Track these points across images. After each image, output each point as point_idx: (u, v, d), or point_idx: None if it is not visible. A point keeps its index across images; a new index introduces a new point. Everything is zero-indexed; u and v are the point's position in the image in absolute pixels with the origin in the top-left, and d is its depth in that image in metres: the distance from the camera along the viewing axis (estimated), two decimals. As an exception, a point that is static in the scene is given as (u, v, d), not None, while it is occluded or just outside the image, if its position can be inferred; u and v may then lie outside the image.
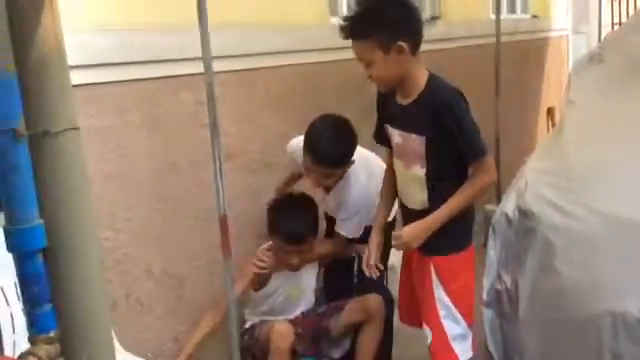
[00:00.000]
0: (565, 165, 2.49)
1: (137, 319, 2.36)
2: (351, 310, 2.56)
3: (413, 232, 2.05)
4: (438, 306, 2.09)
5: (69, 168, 0.88)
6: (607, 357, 1.94)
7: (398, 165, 2.18)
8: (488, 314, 2.35)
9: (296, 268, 2.55)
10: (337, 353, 2.59)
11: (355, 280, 2.66)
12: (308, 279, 2.63)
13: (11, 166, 0.85)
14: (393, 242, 2.12)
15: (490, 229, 2.45)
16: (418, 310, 2.21)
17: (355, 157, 2.46)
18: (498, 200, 3.45)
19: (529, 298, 2.19)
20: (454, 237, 2.10)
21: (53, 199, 0.87)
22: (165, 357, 2.43)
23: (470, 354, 2.12)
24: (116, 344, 1.92)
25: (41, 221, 0.86)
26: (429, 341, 2.11)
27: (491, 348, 2.36)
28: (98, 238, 0.94)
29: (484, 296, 2.37)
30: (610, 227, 2.06)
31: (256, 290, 2.57)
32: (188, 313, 2.56)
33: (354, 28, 1.98)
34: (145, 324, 2.39)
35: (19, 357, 0.86)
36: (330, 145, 2.37)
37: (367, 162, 2.58)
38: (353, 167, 2.49)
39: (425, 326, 2.14)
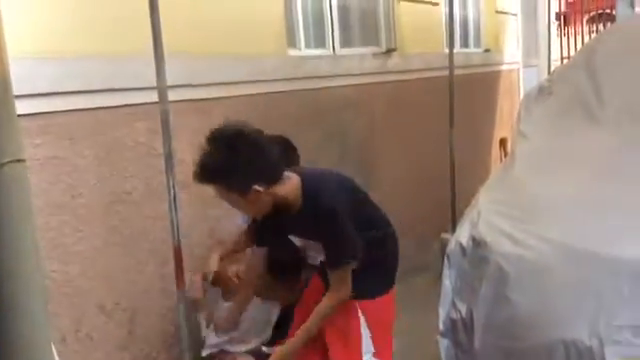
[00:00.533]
0: (516, 195, 2.54)
1: (87, 354, 2.28)
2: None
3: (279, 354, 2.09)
4: (363, 351, 2.11)
5: (13, 201, 0.85)
6: (560, 385, 1.96)
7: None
8: (444, 343, 2.36)
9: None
10: None
11: None
12: (274, 311, 2.55)
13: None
14: None
15: (445, 258, 2.48)
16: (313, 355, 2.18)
17: None
18: (453, 229, 3.49)
19: (484, 327, 2.20)
20: (379, 279, 2.17)
21: (-4, 232, 0.84)
22: (115, 394, 2.35)
23: None
24: (63, 381, 1.86)
25: (-19, 253, 0.83)
26: None
27: (447, 378, 2.36)
28: (42, 274, 0.90)
29: (440, 325, 2.38)
30: (560, 255, 2.10)
31: (226, 299, 2.47)
32: (140, 348, 2.49)
33: (203, 176, 1.92)
34: (95, 359, 2.32)
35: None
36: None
37: None
38: None
39: None
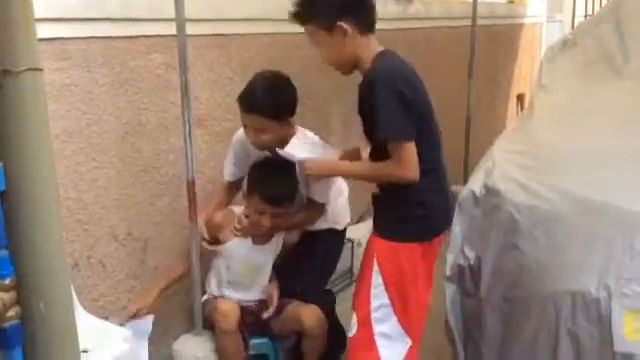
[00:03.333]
0: (533, 146, 2.51)
1: (98, 281, 2.33)
2: (287, 319, 2.51)
3: (314, 164, 2.13)
4: (371, 297, 1.99)
5: (29, 109, 0.85)
6: (564, 335, 1.98)
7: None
8: (450, 289, 2.37)
9: (266, 233, 2.49)
10: (284, 343, 2.58)
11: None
12: (266, 259, 2.53)
13: (-31, 104, 0.82)
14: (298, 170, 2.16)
15: (456, 206, 2.47)
16: None
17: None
18: (465, 182, 3.48)
19: (491, 274, 2.21)
20: (405, 222, 2.00)
21: (12, 141, 0.84)
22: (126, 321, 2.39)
23: None
24: (76, 303, 1.90)
25: (-1, 163, 0.83)
26: (352, 332, 2.02)
27: (451, 322, 2.38)
28: (56, 184, 0.90)
29: (447, 271, 2.39)
30: (574, 207, 2.09)
31: (209, 243, 2.47)
32: (151, 277, 2.53)
33: (297, 13, 1.98)
34: (106, 286, 2.36)
35: (-28, 303, 0.83)
36: (261, 93, 2.29)
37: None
38: (301, 132, 2.45)
39: (354, 316, 2.04)
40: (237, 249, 2.46)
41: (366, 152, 2.13)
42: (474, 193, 2.42)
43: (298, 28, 3.24)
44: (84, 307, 2.01)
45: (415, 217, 2.02)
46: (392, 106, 1.87)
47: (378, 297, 1.99)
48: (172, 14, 2.12)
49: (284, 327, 2.52)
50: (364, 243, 2.70)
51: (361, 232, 2.88)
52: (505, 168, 2.42)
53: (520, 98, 6.30)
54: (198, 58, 2.60)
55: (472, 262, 2.29)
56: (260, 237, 2.48)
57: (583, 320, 1.94)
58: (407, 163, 1.91)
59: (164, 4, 2.22)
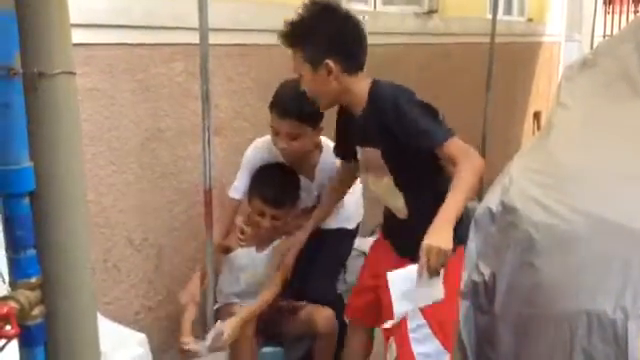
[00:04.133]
0: (551, 164, 2.50)
1: (113, 285, 2.34)
2: (301, 322, 2.53)
3: (434, 233, 1.84)
4: (408, 319, 1.94)
5: (62, 112, 0.86)
6: (578, 355, 1.96)
7: (369, 179, 2.13)
8: (464, 305, 2.35)
9: (267, 235, 2.49)
10: (298, 350, 2.58)
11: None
12: (272, 264, 2.56)
13: (2, 104, 0.83)
14: (423, 258, 1.84)
15: (472, 223, 2.46)
16: (374, 310, 2.10)
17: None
18: (480, 198, 3.47)
19: (506, 292, 2.19)
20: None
21: (44, 142, 0.85)
22: (139, 325, 2.40)
23: None
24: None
25: (30, 163, 0.84)
26: (394, 356, 1.97)
27: (464, 339, 2.37)
28: (85, 186, 0.92)
29: (461, 287, 2.38)
30: (592, 227, 2.07)
31: (225, 253, 2.50)
32: (165, 283, 2.55)
33: (286, 37, 1.93)
34: (121, 290, 2.38)
35: (-1, 300, 0.85)
36: (296, 98, 2.23)
37: None
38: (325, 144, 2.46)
39: (392, 340, 2.00)
40: (241, 259, 2.48)
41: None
42: (490, 210, 2.40)
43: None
44: (98, 310, 2.01)
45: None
46: (425, 112, 1.85)
47: (413, 319, 1.95)
48: (195, 23, 2.14)
49: (297, 330, 2.53)
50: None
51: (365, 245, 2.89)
52: (523, 185, 2.41)
53: (537, 116, 6.28)
54: (218, 67, 2.63)
55: (487, 279, 2.28)
56: (262, 243, 2.48)
57: (599, 341, 1.92)
58: (470, 152, 1.88)
59: (188, 13, 2.25)
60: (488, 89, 4.28)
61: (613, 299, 1.91)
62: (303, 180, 2.52)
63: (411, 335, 1.94)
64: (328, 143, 2.48)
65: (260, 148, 2.48)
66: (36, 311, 0.86)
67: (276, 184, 2.40)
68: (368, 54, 3.62)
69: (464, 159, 1.86)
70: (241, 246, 2.46)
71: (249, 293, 2.51)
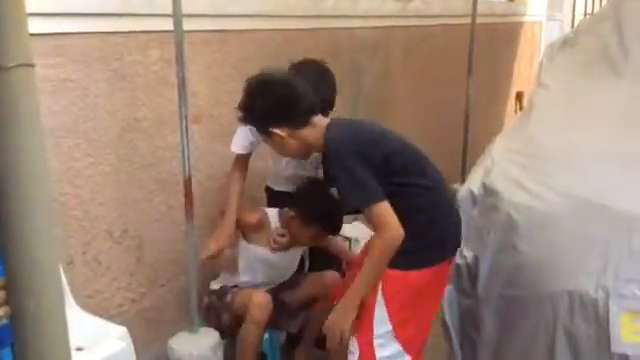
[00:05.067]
0: (532, 145, 2.51)
1: (94, 278, 2.31)
2: (307, 284, 2.56)
3: (337, 314, 1.96)
4: (374, 325, 1.94)
5: (21, 106, 0.83)
6: (561, 334, 1.98)
7: None
8: (447, 288, 2.37)
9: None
10: (293, 327, 2.57)
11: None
12: (296, 258, 2.57)
13: (-41, 100, 0.80)
14: (327, 338, 2.00)
15: (454, 205, 2.46)
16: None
17: None
18: (463, 180, 3.47)
19: (488, 274, 2.21)
20: (411, 252, 1.88)
21: (3, 138, 0.82)
22: (122, 318, 2.38)
23: None
24: (71, 300, 1.89)
25: (-10, 161, 0.81)
26: (354, 357, 1.97)
27: (448, 322, 2.38)
28: (49, 182, 0.89)
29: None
30: (572, 208, 2.09)
31: (242, 232, 2.47)
32: (147, 275, 2.52)
33: (239, 119, 2.11)
34: (102, 284, 2.35)
35: (-39, 303, 0.82)
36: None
37: None
38: None
39: (353, 339, 1.98)
40: (262, 253, 2.46)
41: None
42: (472, 192, 2.41)
43: (295, 24, 3.25)
44: (79, 304, 1.99)
45: (421, 245, 1.92)
46: (351, 173, 1.86)
47: (381, 325, 1.94)
48: (170, 10, 2.10)
49: (304, 294, 2.54)
50: (361, 241, 2.70)
51: (357, 231, 2.89)
52: (504, 167, 2.41)
53: (519, 96, 6.29)
54: (196, 54, 2.59)
55: (469, 261, 2.29)
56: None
57: (581, 320, 1.94)
58: (388, 225, 1.84)
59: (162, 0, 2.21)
60: (470, 70, 4.27)
61: (594, 279, 1.92)
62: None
63: (376, 341, 1.95)
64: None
65: None
66: (1, 312, 0.84)
67: (335, 212, 2.35)
68: (351, 37, 3.62)
69: (379, 232, 1.88)
70: (273, 249, 2.44)
71: (266, 284, 2.50)
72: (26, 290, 0.84)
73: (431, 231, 1.97)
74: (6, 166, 0.81)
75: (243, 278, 2.49)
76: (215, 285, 2.52)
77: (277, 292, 2.52)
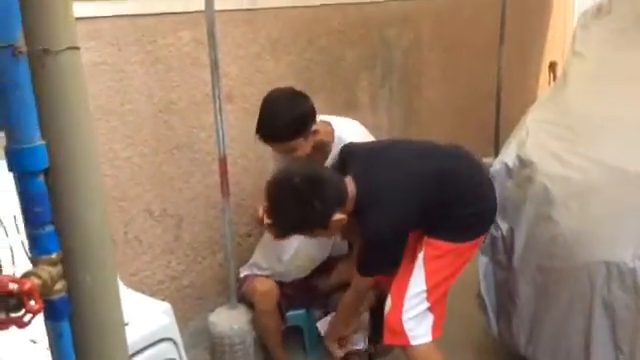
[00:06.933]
0: (567, 116, 2.47)
1: (135, 257, 2.38)
2: (341, 269, 2.55)
3: (328, 333, 2.39)
4: (410, 285, 2.04)
5: (69, 88, 0.86)
6: (598, 305, 1.97)
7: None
8: (483, 260, 2.37)
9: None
10: (328, 307, 2.59)
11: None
12: (325, 250, 2.57)
13: (11, 84, 0.83)
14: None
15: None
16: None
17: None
18: (496, 154, 3.44)
19: (524, 246, 2.20)
20: (454, 229, 2.05)
21: (54, 119, 0.86)
22: (163, 295, 2.45)
23: (429, 338, 2.04)
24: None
25: (43, 141, 0.85)
26: (386, 309, 2.08)
27: (484, 293, 2.39)
28: (98, 159, 0.93)
29: (480, 243, 2.39)
30: (608, 178, 2.06)
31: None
32: (186, 253, 2.58)
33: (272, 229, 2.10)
34: (143, 262, 2.42)
35: (22, 276, 0.86)
36: (275, 120, 2.19)
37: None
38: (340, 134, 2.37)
39: (389, 294, 2.10)
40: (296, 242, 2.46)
41: None
42: (507, 165, 2.40)
43: (324, 0, 3.24)
44: (123, 282, 2.05)
45: (463, 226, 2.07)
46: (377, 255, 2.05)
47: (417, 285, 2.04)
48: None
49: (338, 279, 2.55)
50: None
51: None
52: (539, 138, 2.39)
53: (552, 66, 6.14)
54: (226, 34, 2.61)
55: (505, 233, 2.29)
56: None
57: (618, 290, 1.93)
58: (365, 283, 2.16)
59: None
60: (501, 40, 4.20)
61: (631, 248, 1.91)
62: None
63: (407, 302, 2.03)
64: (338, 125, 2.41)
65: None
66: (59, 285, 0.88)
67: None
68: (379, 11, 3.59)
69: (354, 283, 2.17)
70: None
71: (284, 274, 2.50)
72: (82, 264, 0.88)
73: (474, 215, 2.09)
74: (59, 146, 0.85)
75: (262, 262, 2.50)
76: (243, 272, 2.55)
77: (309, 280, 2.55)
